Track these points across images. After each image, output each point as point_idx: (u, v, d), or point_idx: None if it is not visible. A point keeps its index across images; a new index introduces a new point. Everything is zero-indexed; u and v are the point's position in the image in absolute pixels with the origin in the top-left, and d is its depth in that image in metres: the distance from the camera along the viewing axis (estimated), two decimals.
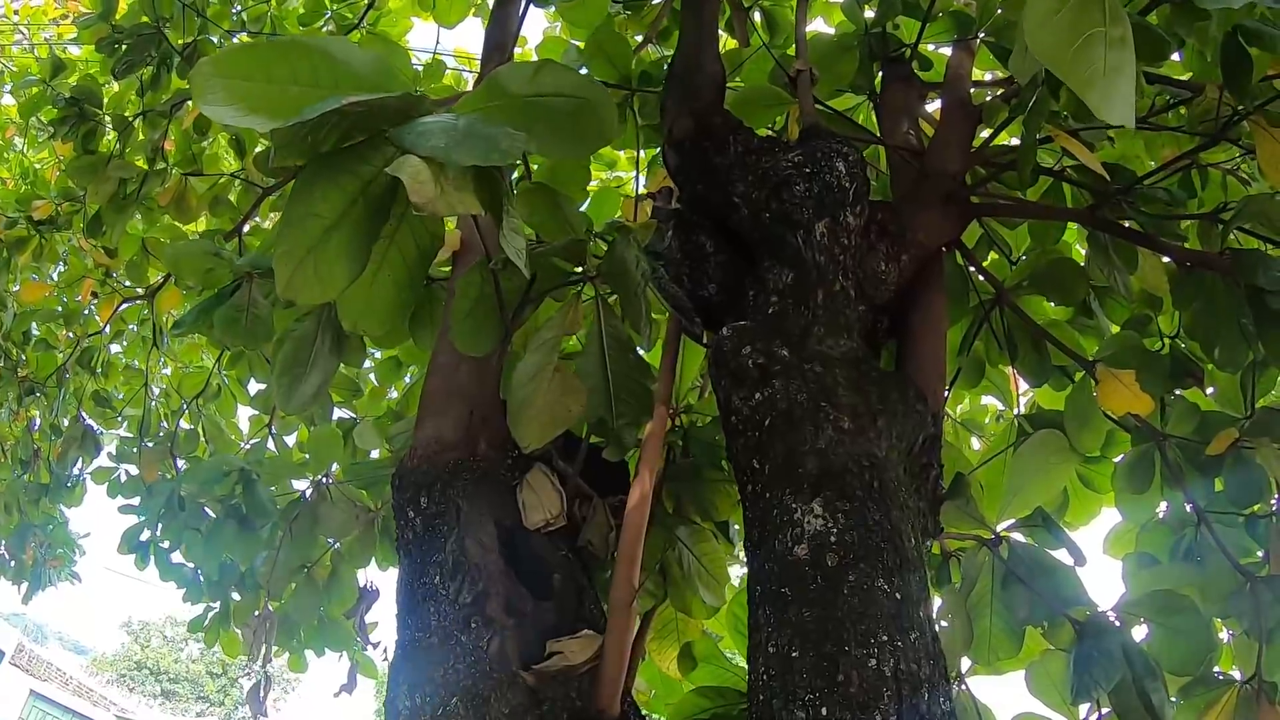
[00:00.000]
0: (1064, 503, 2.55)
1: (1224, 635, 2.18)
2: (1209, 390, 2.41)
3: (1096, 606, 1.67)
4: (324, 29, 3.93)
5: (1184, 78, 2.40)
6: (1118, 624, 1.62)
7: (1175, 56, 2.52)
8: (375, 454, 3.33)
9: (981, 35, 2.61)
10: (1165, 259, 2.27)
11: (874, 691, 1.08)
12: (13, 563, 5.57)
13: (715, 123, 1.84)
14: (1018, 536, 1.80)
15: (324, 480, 2.83)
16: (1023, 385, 2.88)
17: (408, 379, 3.70)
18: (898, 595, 1.15)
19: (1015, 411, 2.60)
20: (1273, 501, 2.20)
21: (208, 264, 1.75)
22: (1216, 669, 1.97)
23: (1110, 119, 1.04)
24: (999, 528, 1.81)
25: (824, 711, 1.08)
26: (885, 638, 1.11)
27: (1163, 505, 2.46)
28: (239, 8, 4.09)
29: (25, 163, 5.18)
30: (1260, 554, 2.23)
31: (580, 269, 1.59)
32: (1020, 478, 1.75)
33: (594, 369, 1.57)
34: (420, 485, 1.48)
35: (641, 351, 1.70)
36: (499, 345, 1.56)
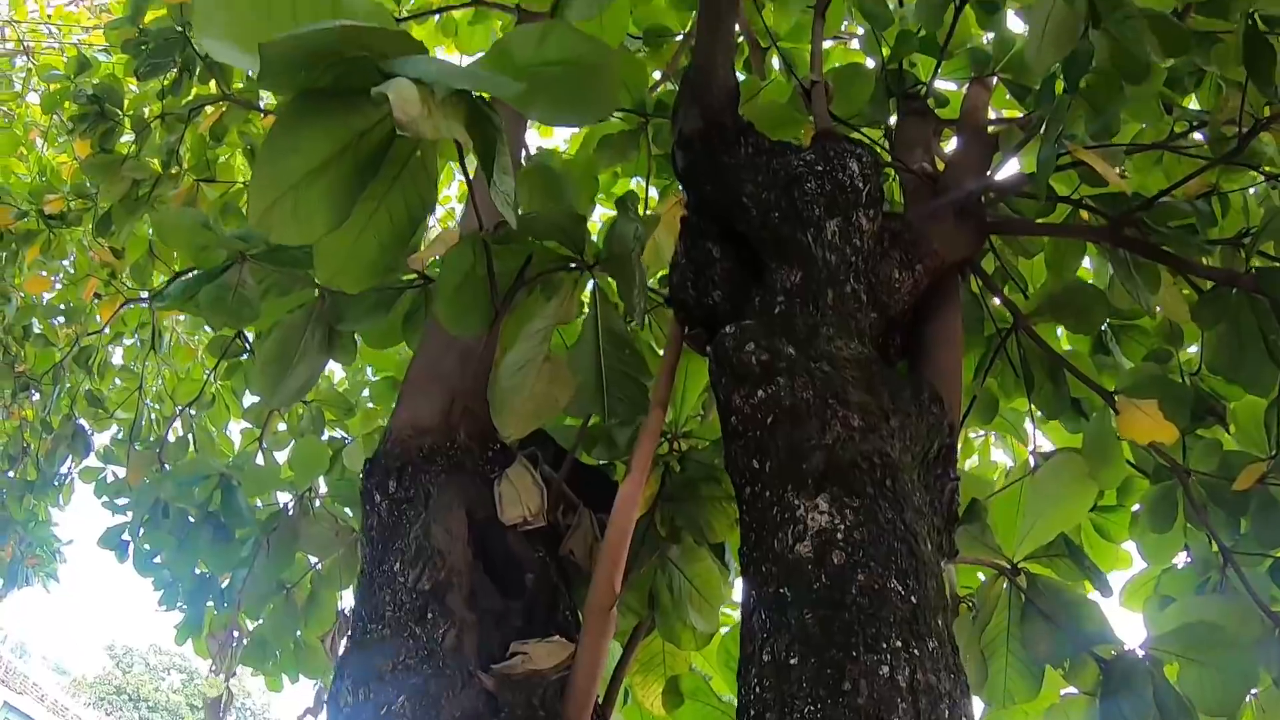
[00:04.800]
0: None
1: None
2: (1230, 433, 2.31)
3: (1123, 644, 1.54)
4: None
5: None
6: (1146, 663, 1.49)
7: (1193, 106, 2.50)
8: None
9: (998, 74, 2.59)
10: (1185, 290, 2.20)
11: (886, 702, 0.94)
12: None
13: (726, 123, 1.79)
14: (1036, 568, 1.68)
15: (309, 495, 2.72)
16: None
17: None
18: (914, 599, 1.02)
19: (1030, 448, 2.49)
20: None
21: (200, 238, 1.68)
22: None
23: None
24: (1017, 559, 1.70)
25: None
26: (900, 643, 0.98)
27: (1183, 555, 2.34)
28: None
29: (44, 161, 5.19)
30: None
31: (579, 258, 1.51)
32: (1039, 504, 1.64)
33: (587, 362, 1.48)
34: (390, 469, 1.37)
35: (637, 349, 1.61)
36: (488, 333, 1.48)
